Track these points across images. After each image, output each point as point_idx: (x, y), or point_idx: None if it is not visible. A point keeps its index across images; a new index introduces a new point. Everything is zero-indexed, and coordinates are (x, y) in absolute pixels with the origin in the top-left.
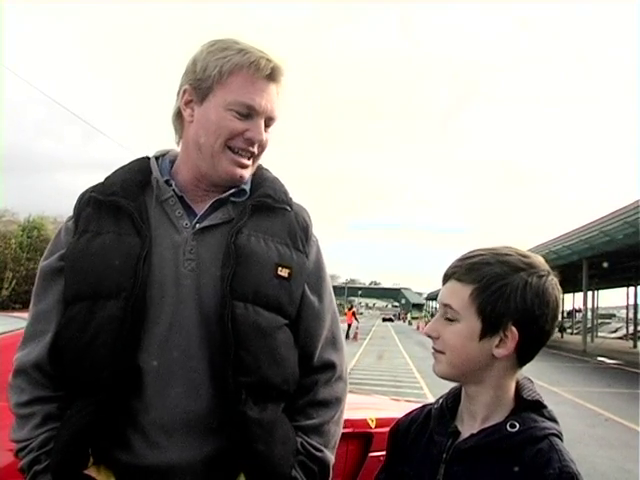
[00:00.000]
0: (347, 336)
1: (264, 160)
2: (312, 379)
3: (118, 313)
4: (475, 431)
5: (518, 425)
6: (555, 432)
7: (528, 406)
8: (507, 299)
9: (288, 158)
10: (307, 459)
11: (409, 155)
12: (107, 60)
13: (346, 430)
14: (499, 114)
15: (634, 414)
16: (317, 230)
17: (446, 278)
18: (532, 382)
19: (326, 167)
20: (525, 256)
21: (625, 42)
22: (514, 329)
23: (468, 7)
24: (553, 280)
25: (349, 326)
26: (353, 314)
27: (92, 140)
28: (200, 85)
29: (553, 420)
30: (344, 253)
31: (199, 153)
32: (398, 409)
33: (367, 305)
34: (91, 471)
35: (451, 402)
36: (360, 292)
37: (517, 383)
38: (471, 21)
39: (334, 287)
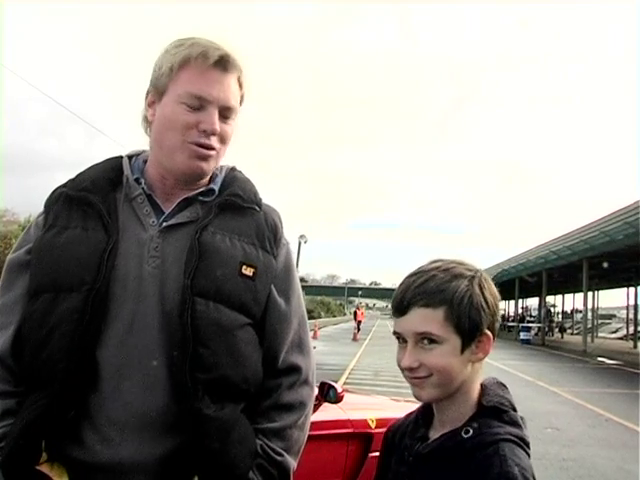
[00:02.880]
0: (358, 330)
1: (265, 158)
2: (276, 382)
3: (79, 306)
4: (437, 436)
5: (472, 431)
6: (508, 437)
7: (488, 411)
8: (477, 308)
9: (289, 157)
10: (266, 463)
11: (409, 155)
12: (109, 60)
13: (347, 430)
14: (499, 114)
15: (634, 415)
16: (318, 230)
17: (407, 307)
18: (505, 387)
19: (326, 167)
20: (462, 263)
21: (625, 42)
22: (488, 332)
23: (468, 7)
24: (488, 276)
25: (359, 323)
26: (355, 314)
27: (93, 140)
28: (157, 84)
29: (514, 424)
30: (344, 253)
31: (160, 150)
32: (398, 409)
33: (367, 305)
34: (44, 467)
35: (429, 408)
36: (360, 292)
37: (482, 386)
38: (471, 21)
39: (335, 287)
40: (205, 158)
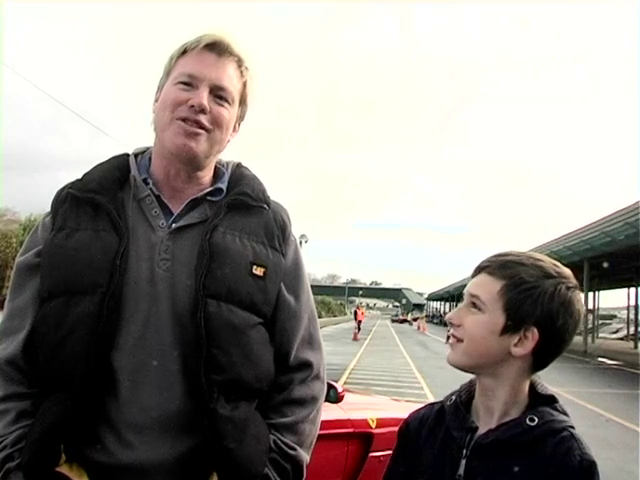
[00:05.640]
0: (359, 330)
1: (266, 158)
2: (288, 378)
3: (94, 309)
4: (493, 426)
5: (537, 419)
6: (571, 424)
7: (543, 401)
8: (534, 301)
9: (289, 157)
10: (280, 457)
11: (410, 155)
12: (113, 59)
13: (347, 430)
14: (499, 114)
15: (635, 415)
16: (318, 230)
17: (478, 271)
18: (539, 377)
19: (327, 166)
20: (557, 265)
21: (625, 42)
22: (535, 331)
23: (468, 7)
24: (579, 294)
25: (360, 322)
26: (355, 314)
27: (96, 139)
28: (162, 78)
29: (565, 414)
30: (345, 253)
31: (156, 133)
32: (398, 409)
33: (368, 305)
34: (63, 469)
35: (465, 397)
36: (361, 292)
37: (531, 380)
38: (471, 21)
39: (335, 287)
40: (193, 135)
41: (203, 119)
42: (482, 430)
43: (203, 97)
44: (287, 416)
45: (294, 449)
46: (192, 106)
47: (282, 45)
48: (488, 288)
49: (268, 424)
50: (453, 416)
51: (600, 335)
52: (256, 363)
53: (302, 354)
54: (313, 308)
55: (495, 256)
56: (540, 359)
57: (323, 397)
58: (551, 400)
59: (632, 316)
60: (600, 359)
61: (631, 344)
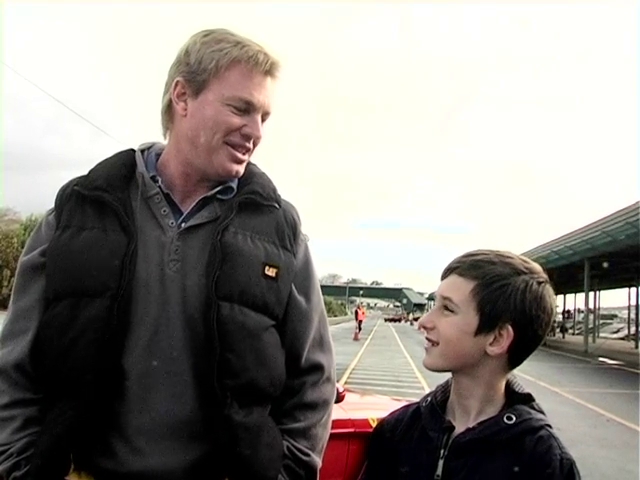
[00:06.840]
0: (360, 330)
1: (267, 158)
2: (300, 381)
3: (103, 312)
4: (470, 425)
5: (515, 417)
6: (549, 423)
7: (520, 399)
8: (507, 299)
9: (291, 157)
10: (293, 463)
11: (411, 155)
12: (114, 60)
13: (347, 430)
14: (499, 114)
15: (635, 415)
16: (319, 230)
17: (448, 272)
18: (515, 377)
19: (328, 166)
20: (526, 261)
21: (625, 42)
22: (510, 328)
23: (468, 7)
24: (550, 289)
25: (360, 322)
26: (356, 313)
27: (97, 139)
28: (194, 78)
29: (542, 412)
30: (346, 253)
31: (194, 148)
32: None
33: (368, 305)
34: (72, 477)
35: (440, 397)
36: (362, 292)
37: (507, 380)
38: (471, 21)
39: (336, 287)
40: (241, 162)
41: (251, 144)
42: (459, 429)
43: (260, 129)
44: (300, 421)
45: (308, 455)
46: (246, 134)
47: (282, 45)
48: (460, 289)
49: (281, 429)
50: (429, 416)
51: (601, 335)
52: (270, 367)
53: (313, 356)
54: (323, 309)
55: (464, 256)
56: (515, 356)
57: (334, 400)
58: (528, 399)
59: (633, 316)
60: (601, 359)
61: (632, 344)
